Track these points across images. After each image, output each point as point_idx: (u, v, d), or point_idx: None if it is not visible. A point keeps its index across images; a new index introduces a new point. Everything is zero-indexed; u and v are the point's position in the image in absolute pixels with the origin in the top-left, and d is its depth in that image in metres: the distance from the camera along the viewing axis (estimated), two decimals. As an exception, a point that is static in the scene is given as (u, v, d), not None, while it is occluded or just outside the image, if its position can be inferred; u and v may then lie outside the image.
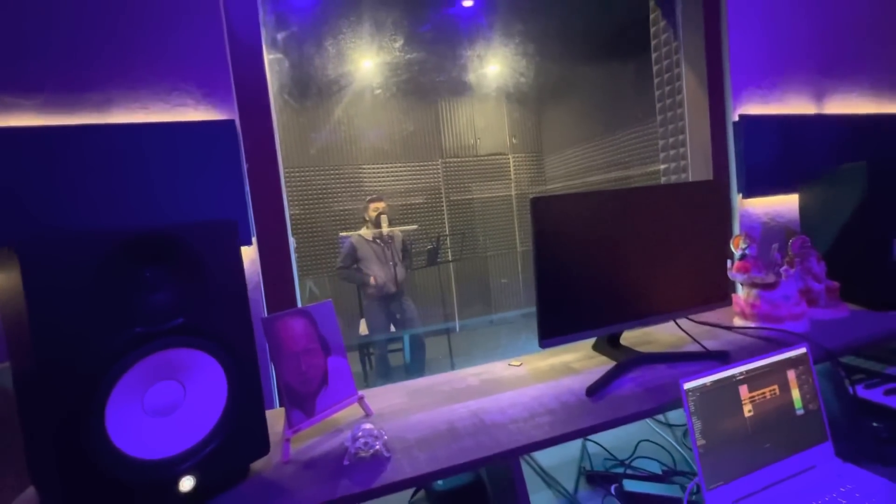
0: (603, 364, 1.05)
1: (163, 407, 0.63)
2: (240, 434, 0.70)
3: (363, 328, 3.15)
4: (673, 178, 1.86)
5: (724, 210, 1.12)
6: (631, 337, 1.19)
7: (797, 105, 1.60)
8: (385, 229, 2.98)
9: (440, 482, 0.88)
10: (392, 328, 3.07)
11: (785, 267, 1.22)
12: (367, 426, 0.78)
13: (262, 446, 0.74)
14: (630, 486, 0.85)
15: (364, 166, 4.54)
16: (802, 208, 1.40)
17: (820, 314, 1.16)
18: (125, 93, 1.00)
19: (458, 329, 4.78)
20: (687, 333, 1.11)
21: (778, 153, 1.52)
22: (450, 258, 4.52)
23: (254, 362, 0.73)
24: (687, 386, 0.80)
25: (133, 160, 0.99)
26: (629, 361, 1.01)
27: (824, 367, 1.01)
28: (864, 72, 1.71)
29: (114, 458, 0.57)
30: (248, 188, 1.10)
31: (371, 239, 3.00)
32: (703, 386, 0.82)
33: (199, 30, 1.04)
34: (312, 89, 4.20)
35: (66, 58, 0.96)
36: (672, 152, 1.83)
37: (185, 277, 0.65)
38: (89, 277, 0.56)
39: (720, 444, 0.80)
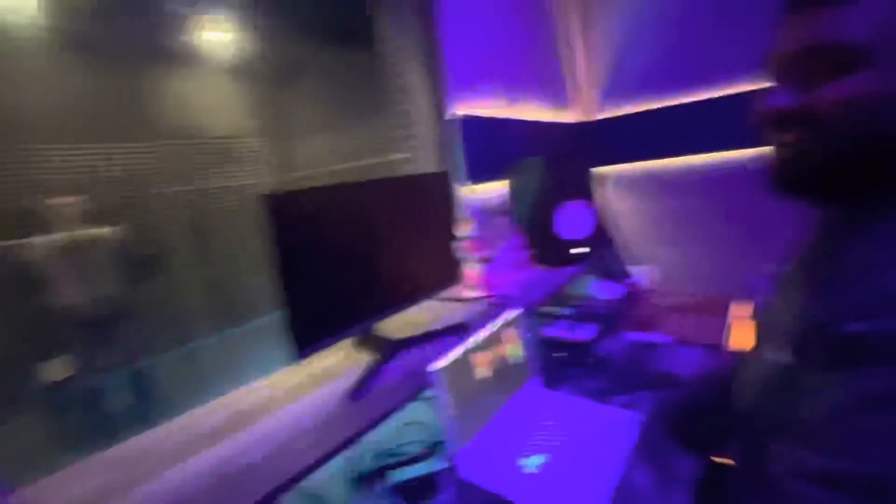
0: (361, 361, 1.04)
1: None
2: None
3: (55, 372, 2.30)
4: (411, 168, 2.02)
5: (452, 197, 1.27)
6: (390, 325, 1.23)
7: (499, 109, 1.97)
8: (77, 234, 2.20)
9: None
10: (104, 362, 2.34)
11: (501, 242, 1.49)
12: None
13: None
14: (400, 474, 0.87)
15: (32, 147, 3.23)
16: (510, 192, 1.74)
17: (522, 277, 1.46)
18: None
19: (197, 346, 4.08)
20: (433, 314, 1.22)
21: (491, 147, 1.83)
22: (179, 263, 3.76)
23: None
24: (433, 368, 0.86)
25: None
26: (385, 352, 1.03)
27: (527, 319, 1.28)
28: (539, 88, 2.23)
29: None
30: None
31: (58, 247, 2.18)
32: (447, 364, 0.90)
33: None
34: None
35: None
36: (404, 144, 1.97)
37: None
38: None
39: (463, 411, 0.91)
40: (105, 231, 2.36)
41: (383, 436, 1.03)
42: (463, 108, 1.81)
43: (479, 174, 1.76)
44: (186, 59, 3.97)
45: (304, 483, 0.91)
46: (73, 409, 2.48)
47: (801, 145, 0.49)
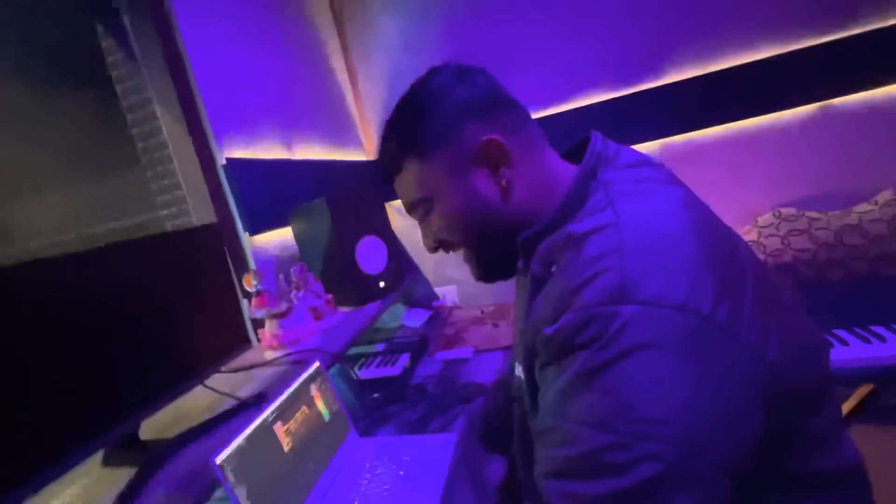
0: (122, 482, 0.79)
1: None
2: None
3: None
4: (178, 223, 1.73)
5: (231, 251, 1.11)
6: (158, 424, 0.98)
7: (275, 150, 1.86)
8: None
9: None
10: None
11: (293, 292, 1.37)
12: None
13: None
14: None
15: None
16: (296, 238, 1.64)
17: (325, 324, 1.38)
18: None
19: None
20: (217, 392, 1.03)
21: (270, 192, 1.70)
22: None
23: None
24: (220, 460, 0.71)
25: None
26: (154, 460, 0.80)
27: (337, 368, 1.20)
28: (318, 127, 2.20)
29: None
30: None
31: None
32: (239, 448, 0.76)
33: None
34: None
35: None
36: (168, 196, 1.69)
37: None
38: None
39: (270, 496, 0.77)
40: None
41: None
42: (233, 153, 1.65)
43: (260, 223, 1.62)
44: None
45: None
46: None
47: (465, 257, 0.69)
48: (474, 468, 0.89)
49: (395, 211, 2.28)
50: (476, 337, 1.63)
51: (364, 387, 1.25)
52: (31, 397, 0.65)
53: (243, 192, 1.59)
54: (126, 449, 0.84)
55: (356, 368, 1.33)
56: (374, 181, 2.42)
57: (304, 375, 0.99)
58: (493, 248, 0.66)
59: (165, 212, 1.73)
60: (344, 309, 1.48)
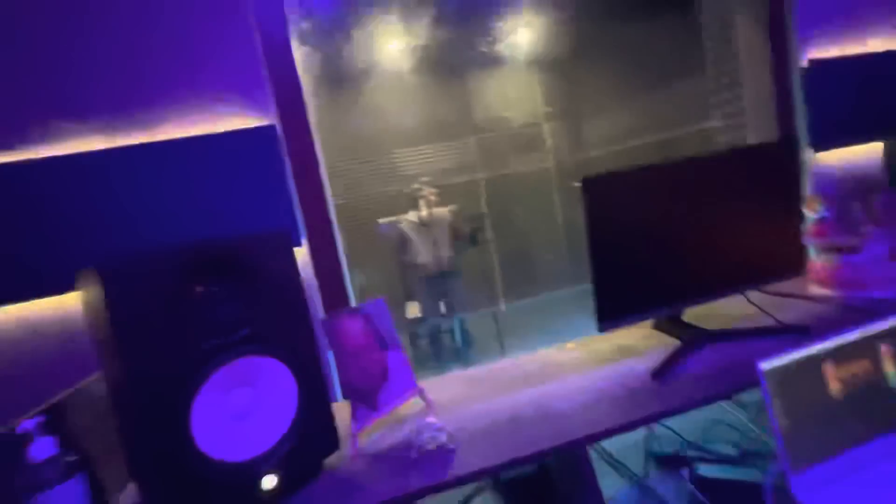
0: (666, 344, 1.00)
1: (240, 412, 0.67)
2: (312, 432, 0.73)
3: (412, 310, 3.20)
4: (729, 137, 1.72)
5: (794, 171, 1.01)
6: (695, 313, 1.13)
7: (878, 42, 1.42)
8: (424, 211, 2.98)
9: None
10: (442, 308, 3.10)
11: (870, 226, 1.11)
12: (430, 419, 0.79)
13: (333, 443, 0.77)
14: (705, 470, 0.82)
15: (397, 150, 4.53)
16: (889, 158, 1.26)
17: (914, 276, 1.04)
18: (173, 110, 1.03)
19: (503, 309, 4.76)
20: (757, 307, 1.04)
21: (856, 99, 1.35)
22: (490, 238, 4.48)
23: (318, 363, 0.75)
24: (765, 367, 0.75)
25: (183, 173, 1.03)
26: (695, 340, 0.96)
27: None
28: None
29: (201, 460, 0.61)
30: (293, 189, 1.12)
31: (416, 222, 3.02)
32: (783, 367, 0.76)
33: (234, 42, 1.05)
34: (342, 79, 4.21)
35: (117, 82, 1.00)
36: (727, 109, 1.69)
37: (246, 289, 0.67)
38: (162, 292, 0.59)
39: (804, 427, 0.75)
40: (445, 210, 3.07)
41: (687, 424, 0.98)
42: (817, 52, 1.39)
43: (837, 136, 1.33)
44: (495, 62, 4.61)
45: (604, 444, 0.98)
46: (421, 339, 3.38)
47: None
48: None
49: None
50: None
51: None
52: (626, 273, 0.91)
53: (819, 99, 1.35)
54: (672, 322, 1.04)
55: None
56: None
57: (876, 329, 0.82)
58: None
59: (718, 123, 1.76)
60: (950, 264, 1.05)
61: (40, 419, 0.61)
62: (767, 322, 0.99)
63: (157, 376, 0.59)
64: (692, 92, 3.36)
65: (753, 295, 1.08)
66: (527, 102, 4.88)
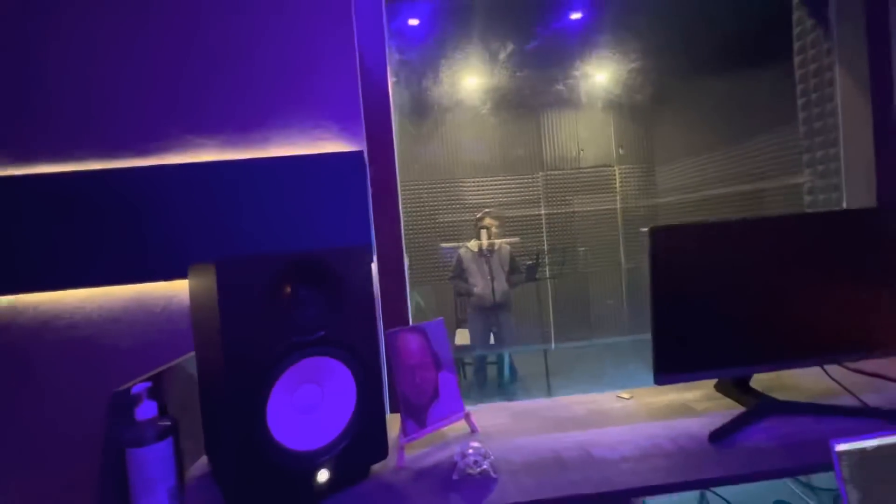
0: (727, 408, 0.95)
1: (307, 406, 0.74)
2: (365, 437, 0.78)
3: (460, 338, 3.23)
4: (821, 198, 1.62)
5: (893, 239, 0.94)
6: (763, 380, 1.07)
7: None
8: (486, 242, 3.03)
9: (544, 510, 0.87)
10: (491, 340, 3.10)
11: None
12: (476, 444, 0.82)
13: (382, 450, 0.82)
14: (761, 550, 0.76)
15: (466, 180, 4.67)
16: None
17: None
18: (279, 131, 1.18)
19: (553, 348, 4.63)
20: (838, 383, 0.96)
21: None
22: (548, 275, 4.43)
23: (379, 372, 0.81)
24: (840, 448, 0.70)
25: (280, 187, 1.16)
26: (762, 408, 0.90)
27: None
28: None
29: (272, 444, 0.68)
30: (371, 212, 1.22)
31: (476, 250, 3.08)
32: (863, 450, 0.71)
33: (338, 70, 1.19)
34: (425, 112, 4.47)
35: (236, 104, 1.17)
36: (820, 167, 1.60)
37: (329, 296, 0.75)
38: (264, 291, 0.68)
39: (884, 522, 0.69)
40: (505, 242, 3.11)
41: (742, 497, 0.92)
42: (929, 117, 1.30)
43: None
44: (570, 104, 4.67)
45: (653, 500, 0.94)
46: (468, 367, 3.38)
47: None
48: None
49: None
50: None
51: None
52: (689, 327, 0.89)
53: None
54: (737, 387, 0.98)
55: None
56: None
57: (980, 424, 0.73)
58: None
59: (809, 180, 1.66)
60: None
61: (147, 385, 0.72)
62: (849, 402, 0.91)
63: (246, 362, 0.67)
64: (781, 144, 3.19)
65: (834, 370, 1.00)
66: (599, 144, 4.86)
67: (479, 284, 3.02)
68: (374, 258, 1.22)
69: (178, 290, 1.15)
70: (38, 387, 1.12)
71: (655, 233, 0.87)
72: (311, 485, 0.72)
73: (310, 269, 0.73)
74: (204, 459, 0.92)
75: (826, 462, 0.72)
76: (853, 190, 1.50)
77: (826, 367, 0.98)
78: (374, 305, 0.80)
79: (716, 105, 4.05)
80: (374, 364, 0.80)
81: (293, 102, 1.19)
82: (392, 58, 1.35)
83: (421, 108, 4.40)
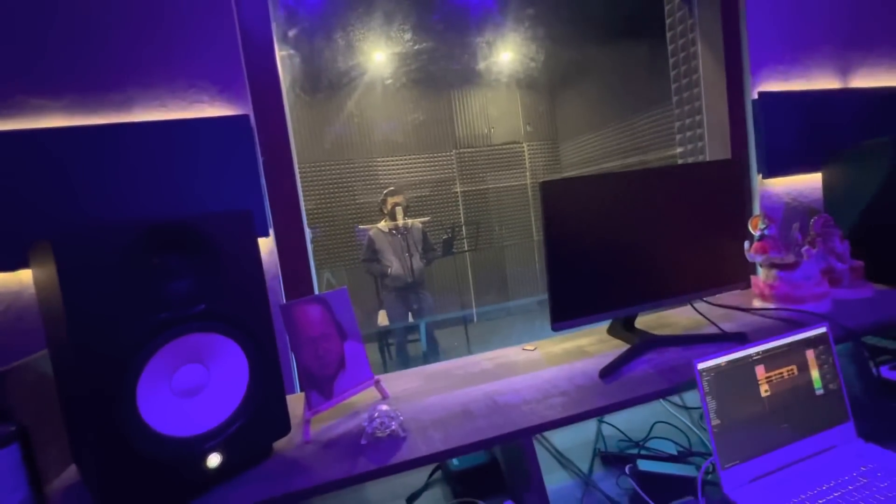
0: (617, 348, 1.05)
1: (189, 388, 0.67)
2: (262, 414, 0.73)
3: (382, 318, 3.20)
4: (690, 160, 1.83)
5: (742, 190, 1.09)
6: (646, 321, 1.19)
7: (821, 80, 1.55)
8: (400, 221, 3.00)
9: (455, 462, 0.90)
10: (410, 318, 3.10)
11: (806, 247, 1.19)
12: (384, 407, 0.81)
13: (284, 426, 0.77)
14: (644, 465, 0.86)
15: (377, 158, 4.57)
16: (826, 187, 1.36)
17: (843, 294, 1.13)
18: (144, 91, 1.03)
19: (475, 319, 4.80)
20: (703, 316, 1.10)
21: (800, 131, 1.47)
22: (465, 248, 4.53)
23: (273, 346, 0.76)
24: (701, 366, 0.80)
25: (153, 156, 1.03)
26: (643, 344, 1.01)
27: (846, 347, 0.99)
28: (893, 42, 1.63)
29: (146, 435, 0.61)
30: (263, 181, 1.13)
31: (388, 231, 3.03)
32: (718, 366, 0.81)
33: (213, 28, 1.07)
34: (324, 83, 4.24)
35: (86, 60, 1.00)
36: (689, 134, 1.79)
37: (205, 266, 0.68)
38: (116, 266, 0.60)
39: (736, 424, 0.80)
40: (417, 221, 3.11)
41: (630, 424, 1.03)
42: (766, 86, 1.51)
43: (784, 163, 1.44)
44: (478, 80, 4.75)
45: (555, 442, 1.01)
46: (390, 343, 3.35)
47: None
48: None
49: None
50: None
51: (885, 388, 0.97)
52: (579, 276, 0.96)
53: (768, 129, 1.46)
54: (625, 328, 1.08)
55: (877, 363, 1.03)
56: None
57: (804, 334, 0.89)
58: None
59: (681, 149, 1.86)
60: (878, 286, 1.14)
61: (-23, 387, 0.60)
62: (711, 330, 1.05)
63: (107, 347, 0.59)
64: (661, 119, 3.55)
65: (700, 305, 1.15)
66: (508, 121, 5.02)
67: (393, 264, 2.99)
68: (271, 232, 1.14)
69: (27, 282, 0.97)
70: None
71: (545, 186, 0.91)
72: (203, 472, 0.66)
73: (179, 237, 0.65)
74: (73, 468, 0.80)
75: (691, 380, 0.83)
76: (714, 155, 1.70)
77: (694, 303, 1.11)
78: (262, 275, 0.75)
79: (609, 82, 4.37)
80: (266, 338, 0.74)
81: (160, 60, 1.04)
82: (283, 26, 1.24)
83: (317, 79, 4.18)
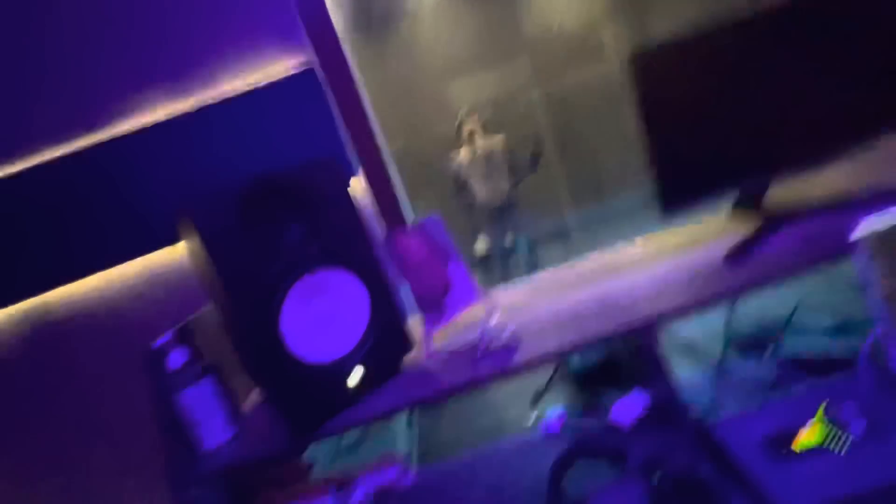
0: (743, 231, 0.92)
1: (322, 318, 0.76)
2: (387, 334, 0.81)
3: (480, 245, 3.24)
4: None
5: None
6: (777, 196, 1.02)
7: None
8: (479, 145, 2.91)
9: (574, 363, 0.91)
10: (508, 242, 3.10)
11: None
12: (496, 319, 0.84)
13: (408, 344, 0.85)
14: (790, 346, 0.78)
15: (445, 84, 4.39)
16: None
17: None
18: (223, 66, 1.09)
19: (575, 225, 4.61)
20: (857, 178, 0.91)
21: None
22: (550, 159, 4.28)
23: (384, 274, 0.82)
24: (860, 231, 0.68)
25: (238, 129, 1.11)
26: (777, 218, 0.87)
27: None
28: None
29: (294, 363, 0.71)
30: (341, 126, 1.15)
31: (469, 159, 2.98)
32: (882, 229, 0.68)
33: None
34: (375, 18, 4.10)
35: (174, 48, 1.08)
36: None
37: (309, 211, 0.74)
38: (239, 222, 0.67)
39: (911, 290, 0.68)
40: (497, 140, 2.98)
41: (770, 305, 0.93)
42: None
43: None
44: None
45: (678, 332, 0.97)
46: (492, 264, 3.38)
47: None
48: None
49: None
50: None
51: None
52: (689, 153, 0.84)
53: None
54: (751, 205, 0.95)
55: None
56: None
57: None
58: None
59: None
60: None
61: (170, 337, 0.75)
62: (863, 191, 0.87)
63: (250, 295, 0.68)
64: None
65: (852, 166, 0.94)
66: (578, 8, 4.39)
67: (482, 191, 2.95)
68: (360, 171, 1.19)
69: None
70: (83, 373, 1.20)
71: (637, 58, 0.79)
72: (346, 390, 0.76)
73: (279, 190, 0.71)
74: (256, 390, 0.99)
75: (845, 249, 0.70)
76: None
77: (848, 164, 0.92)
78: (357, 211, 0.78)
79: None
80: (375, 265, 0.80)
81: (224, 31, 1.08)
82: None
83: (370, 14, 4.04)
